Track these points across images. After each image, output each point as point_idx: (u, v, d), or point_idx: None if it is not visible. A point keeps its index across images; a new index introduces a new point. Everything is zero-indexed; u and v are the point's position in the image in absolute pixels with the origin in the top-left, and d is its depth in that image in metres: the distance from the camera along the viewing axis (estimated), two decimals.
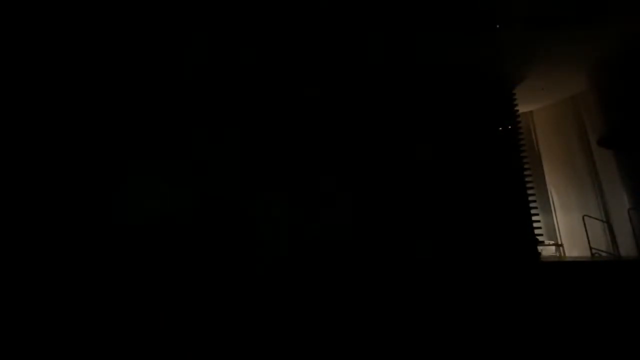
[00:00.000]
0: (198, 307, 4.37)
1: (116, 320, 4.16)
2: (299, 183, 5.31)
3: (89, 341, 3.95)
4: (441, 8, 4.44)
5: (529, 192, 5.71)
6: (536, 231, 5.50)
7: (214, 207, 5.09)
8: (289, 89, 5.69)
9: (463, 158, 5.61)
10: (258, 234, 5.05)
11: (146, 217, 4.96)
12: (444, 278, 4.75)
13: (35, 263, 4.49)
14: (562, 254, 6.63)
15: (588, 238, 6.10)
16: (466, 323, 4.15)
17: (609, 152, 6.10)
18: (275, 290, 4.56)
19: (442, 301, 4.44)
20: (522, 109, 6.80)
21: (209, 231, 4.99)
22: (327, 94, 5.70)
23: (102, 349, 3.90)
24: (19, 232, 4.58)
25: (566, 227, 6.87)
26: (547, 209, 7.10)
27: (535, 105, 7.32)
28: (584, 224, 6.19)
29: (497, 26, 4.71)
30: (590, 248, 6.04)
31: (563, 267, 4.94)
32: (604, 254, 6.06)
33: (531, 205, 5.62)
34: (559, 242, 6.81)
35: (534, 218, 5.54)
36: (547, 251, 6.72)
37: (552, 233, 6.99)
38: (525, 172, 5.80)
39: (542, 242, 6.37)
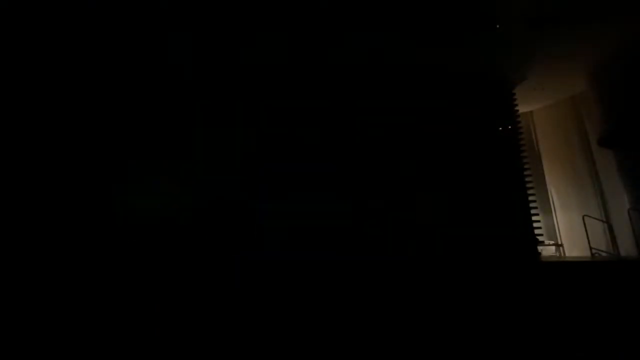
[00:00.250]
0: (199, 306, 4.37)
1: (117, 319, 4.16)
2: (299, 183, 5.31)
3: (91, 341, 3.96)
4: (441, 8, 4.44)
5: (529, 192, 5.70)
6: (536, 231, 5.50)
7: (215, 208, 5.09)
8: (289, 89, 5.69)
9: (463, 158, 5.61)
10: (258, 233, 5.05)
11: (147, 217, 4.96)
12: (443, 278, 4.75)
13: (37, 263, 4.49)
14: (562, 254, 6.63)
15: (588, 238, 6.10)
16: (466, 323, 4.15)
17: (609, 152, 6.10)
18: (276, 290, 4.56)
19: (442, 301, 4.44)
20: (522, 109, 6.80)
21: (209, 231, 5.00)
22: (327, 94, 5.70)
23: (104, 348, 3.90)
24: (20, 232, 4.58)
25: (566, 227, 6.87)
26: (547, 209, 7.10)
27: (535, 105, 7.32)
28: (584, 224, 6.19)
29: (497, 26, 4.72)
30: (590, 248, 6.04)
31: (563, 267, 4.94)
32: (604, 254, 6.06)
33: (531, 205, 5.62)
34: (559, 242, 6.81)
35: (534, 218, 5.54)
36: (547, 251, 6.72)
37: (552, 233, 6.99)
38: (525, 172, 5.80)
39: (542, 242, 6.37)
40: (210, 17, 4.43)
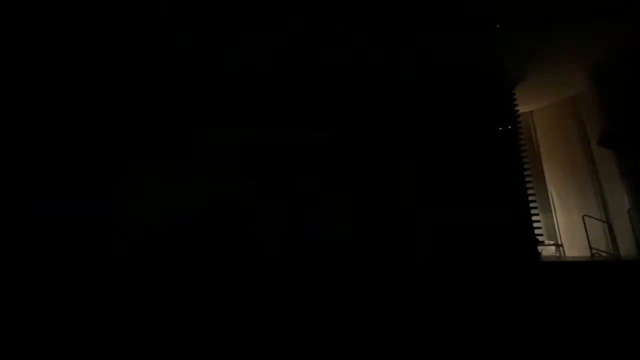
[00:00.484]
0: (199, 306, 4.36)
1: (119, 319, 4.16)
2: (299, 183, 5.31)
3: (92, 340, 3.95)
4: (441, 8, 4.43)
5: (529, 192, 5.71)
6: (536, 231, 5.50)
7: (215, 208, 5.09)
8: (289, 89, 5.69)
9: (463, 158, 5.61)
10: (258, 234, 5.05)
11: (148, 218, 4.96)
12: (444, 278, 4.76)
13: (39, 263, 4.49)
14: (562, 254, 6.63)
15: (588, 238, 6.09)
16: (466, 323, 4.15)
17: (609, 152, 6.09)
18: (275, 290, 4.56)
19: (442, 301, 4.44)
20: (522, 109, 6.80)
21: (210, 232, 5.00)
22: (327, 94, 5.70)
23: (105, 348, 3.90)
24: (23, 233, 4.58)
25: (566, 227, 6.87)
26: (547, 209, 7.09)
27: (535, 105, 7.32)
28: (584, 224, 6.18)
29: (497, 26, 4.71)
30: (590, 248, 6.04)
31: (563, 267, 4.94)
32: (604, 254, 6.06)
33: (531, 205, 5.62)
34: (559, 242, 6.81)
35: (534, 218, 5.54)
36: (547, 251, 6.72)
37: (552, 233, 6.99)
38: (525, 172, 5.80)
39: (542, 242, 6.37)
40: (214, 19, 4.42)
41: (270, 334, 4.07)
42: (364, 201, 5.32)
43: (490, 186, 5.50)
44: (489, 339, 3.88)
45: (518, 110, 6.17)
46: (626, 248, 5.88)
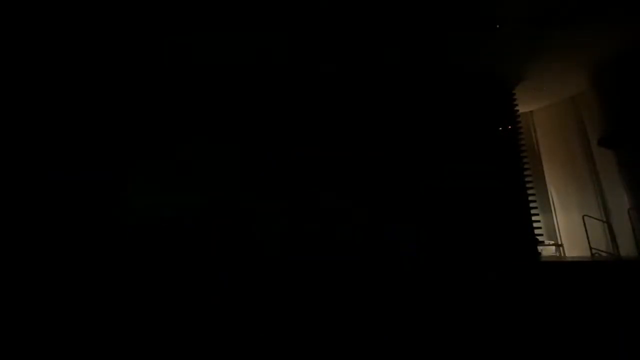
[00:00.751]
0: (199, 306, 4.37)
1: (119, 318, 4.16)
2: (299, 183, 5.31)
3: (93, 340, 3.95)
4: (441, 8, 4.43)
5: (529, 192, 5.70)
6: (536, 231, 5.50)
7: (215, 209, 5.09)
8: (289, 90, 5.69)
9: (463, 158, 5.61)
10: (258, 235, 5.05)
11: (148, 219, 4.96)
12: (444, 278, 4.75)
13: (40, 263, 4.49)
14: (562, 254, 6.62)
15: (588, 238, 6.09)
16: (466, 323, 4.15)
17: (609, 152, 6.09)
18: (275, 290, 4.56)
19: (442, 301, 4.44)
20: (522, 109, 6.80)
21: (210, 232, 5.00)
22: (327, 95, 5.70)
23: (105, 348, 3.90)
24: (23, 233, 4.58)
25: (566, 227, 6.87)
26: (547, 209, 7.09)
27: (535, 105, 7.32)
28: (584, 224, 6.18)
29: (497, 26, 4.71)
30: (590, 248, 6.04)
31: (563, 267, 4.94)
32: (604, 254, 6.05)
33: (531, 205, 5.62)
34: (559, 242, 6.81)
35: (534, 218, 5.54)
36: (547, 251, 6.72)
37: (552, 233, 6.99)
38: (525, 172, 5.80)
39: (542, 242, 6.36)
40: (214, 21, 4.43)
41: (270, 334, 4.07)
42: (363, 201, 5.32)
43: (490, 186, 5.50)
44: (489, 339, 3.88)
45: (518, 110, 6.17)
46: (626, 248, 5.88)
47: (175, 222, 4.97)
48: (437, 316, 4.27)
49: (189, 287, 4.54)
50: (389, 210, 5.33)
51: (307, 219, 5.12)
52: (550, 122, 7.33)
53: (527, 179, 5.76)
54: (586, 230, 6.13)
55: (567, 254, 6.61)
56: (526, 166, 5.87)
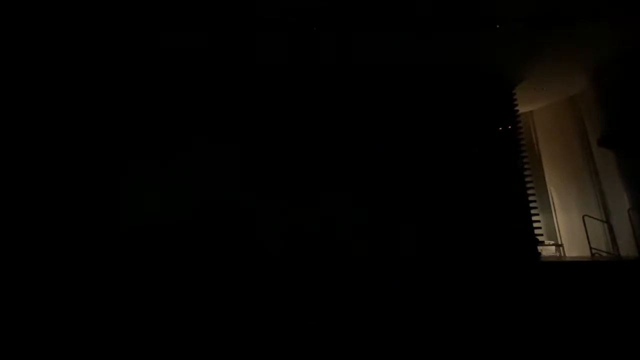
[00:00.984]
0: (199, 306, 4.36)
1: (119, 319, 4.16)
2: (299, 183, 5.31)
3: (93, 340, 3.95)
4: (441, 8, 4.43)
5: (529, 192, 5.70)
6: (536, 231, 5.50)
7: (215, 209, 5.09)
8: (289, 90, 5.69)
9: (463, 158, 5.61)
10: (258, 234, 5.05)
11: (148, 219, 4.96)
12: (444, 278, 4.75)
13: (40, 263, 4.49)
14: (562, 254, 6.62)
15: (588, 238, 6.09)
16: (466, 323, 4.15)
17: (609, 152, 6.09)
18: (274, 290, 4.56)
19: (442, 301, 4.44)
20: (522, 109, 6.80)
21: (209, 232, 5.00)
22: (328, 95, 5.71)
23: (105, 348, 3.90)
24: (24, 233, 4.58)
25: (566, 227, 6.87)
26: (547, 209, 7.09)
27: (535, 105, 7.32)
28: (584, 224, 6.18)
29: (497, 26, 4.71)
30: (590, 248, 6.04)
31: (563, 267, 4.93)
32: (604, 254, 6.05)
33: (531, 205, 5.62)
34: (559, 242, 6.81)
35: (534, 218, 5.54)
36: (547, 251, 6.72)
37: (552, 233, 6.99)
38: (525, 172, 5.80)
39: (542, 242, 6.36)
40: (214, 20, 4.43)
41: (270, 334, 4.07)
42: (363, 201, 5.32)
43: (491, 186, 5.50)
44: (489, 339, 3.88)
45: (518, 110, 6.17)
46: (626, 248, 5.88)
47: (175, 222, 4.97)
48: (438, 316, 4.26)
49: (188, 287, 4.54)
50: (389, 210, 5.33)
51: (307, 219, 5.12)
52: (550, 122, 7.32)
53: (527, 179, 5.76)
54: (586, 230, 6.13)
55: (567, 254, 6.61)
56: (526, 166, 5.86)
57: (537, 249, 5.47)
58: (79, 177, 4.98)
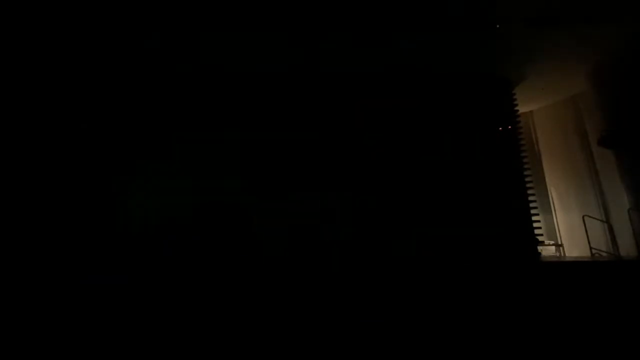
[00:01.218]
0: (199, 306, 4.37)
1: (118, 318, 4.16)
2: (299, 183, 5.31)
3: (93, 340, 3.96)
4: (441, 8, 4.43)
5: (529, 192, 5.70)
6: (536, 231, 5.50)
7: (214, 209, 5.09)
8: (288, 90, 5.69)
9: (463, 158, 5.61)
10: (257, 234, 5.05)
11: (147, 219, 4.96)
12: (444, 278, 4.75)
13: (40, 263, 4.49)
14: (562, 254, 6.62)
15: (588, 238, 6.09)
16: (466, 323, 4.15)
17: (609, 152, 6.09)
18: (274, 290, 4.56)
19: (442, 301, 4.44)
20: (522, 109, 6.79)
21: (209, 232, 5.00)
22: (326, 95, 5.71)
23: (105, 348, 3.90)
24: (23, 233, 4.58)
25: (566, 227, 6.87)
26: (547, 209, 7.09)
27: (535, 105, 7.32)
28: (584, 224, 6.18)
29: (497, 26, 4.71)
30: (590, 248, 6.03)
31: (563, 267, 4.93)
32: (604, 254, 6.05)
33: (531, 205, 5.62)
34: (559, 242, 6.81)
35: (534, 218, 5.54)
36: (547, 251, 6.72)
37: (552, 233, 6.99)
38: (525, 172, 5.80)
39: (542, 242, 6.37)
40: (213, 20, 4.43)
41: (270, 334, 4.07)
42: (364, 202, 5.32)
43: (491, 186, 5.50)
44: (488, 339, 3.88)
45: (518, 110, 6.17)
46: (626, 248, 5.88)
47: (174, 222, 4.97)
48: (437, 316, 4.26)
49: (188, 287, 4.54)
50: (389, 210, 5.33)
51: (307, 219, 5.12)
52: (550, 122, 7.32)
53: (527, 179, 5.76)
54: (586, 230, 6.13)
55: (567, 254, 6.61)
56: (526, 166, 5.86)
57: (537, 249, 5.47)
58: (79, 177, 4.98)
